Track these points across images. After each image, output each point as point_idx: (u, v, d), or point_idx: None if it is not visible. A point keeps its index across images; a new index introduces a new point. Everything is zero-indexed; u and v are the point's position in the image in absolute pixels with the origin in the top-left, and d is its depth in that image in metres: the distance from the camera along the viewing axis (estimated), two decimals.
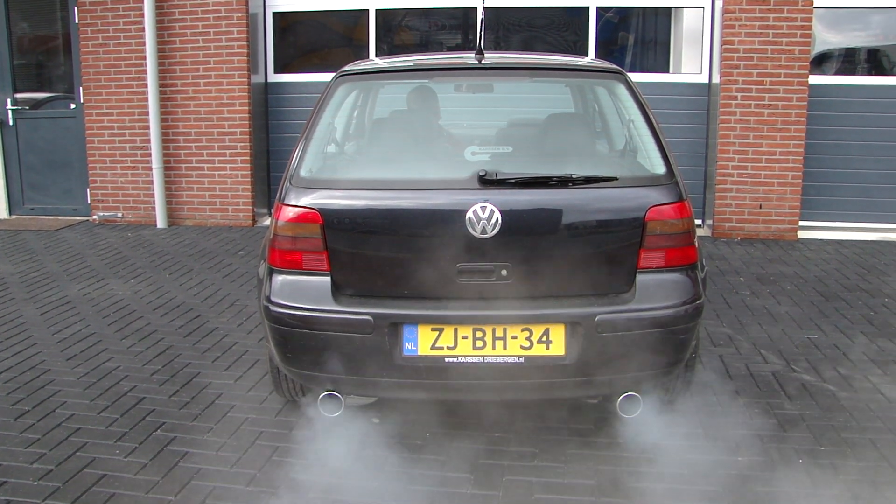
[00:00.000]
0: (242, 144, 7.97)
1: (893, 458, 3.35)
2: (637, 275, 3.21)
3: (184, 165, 8.10)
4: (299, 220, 3.21)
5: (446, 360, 3.15)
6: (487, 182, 3.15)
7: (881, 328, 4.94)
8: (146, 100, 7.94)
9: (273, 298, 3.25)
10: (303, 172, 3.31)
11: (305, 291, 3.23)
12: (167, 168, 8.07)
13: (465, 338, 3.15)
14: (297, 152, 3.38)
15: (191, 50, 7.90)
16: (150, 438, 3.56)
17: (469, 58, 3.74)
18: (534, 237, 3.18)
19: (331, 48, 8.71)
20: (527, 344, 3.15)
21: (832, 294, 5.66)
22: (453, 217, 3.13)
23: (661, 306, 3.19)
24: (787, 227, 7.40)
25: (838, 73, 7.69)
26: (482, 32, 3.86)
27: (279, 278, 3.28)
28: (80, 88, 8.25)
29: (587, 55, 7.70)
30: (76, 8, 8.08)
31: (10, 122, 8.49)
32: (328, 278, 3.22)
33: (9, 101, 8.45)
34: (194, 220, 8.19)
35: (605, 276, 3.23)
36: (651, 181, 3.27)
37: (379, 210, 3.22)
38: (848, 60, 7.79)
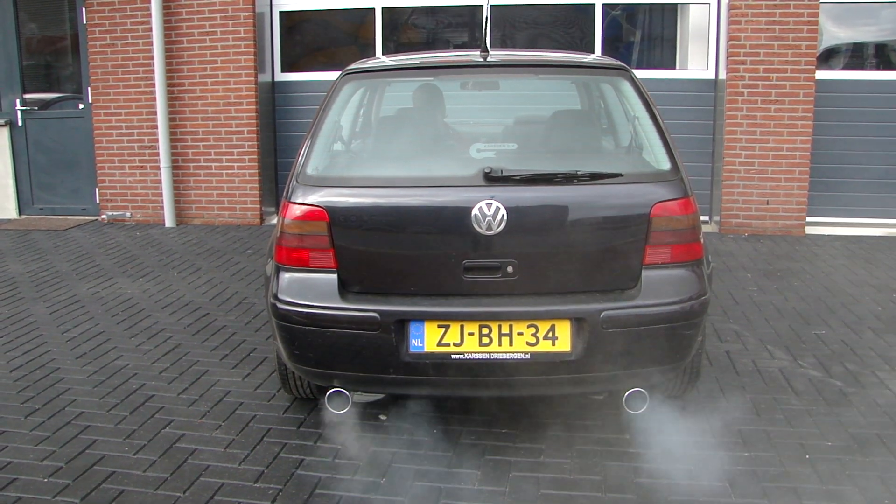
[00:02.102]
0: (250, 143, 8.00)
1: None
2: (642, 271, 3.22)
3: (192, 164, 8.13)
4: (306, 217, 3.23)
5: (452, 356, 3.16)
6: (493, 179, 3.16)
7: (888, 324, 4.93)
8: (154, 99, 7.98)
9: (280, 296, 3.27)
10: (309, 170, 3.32)
11: (312, 289, 3.24)
12: (175, 167, 8.10)
13: (471, 334, 3.16)
14: (304, 150, 3.40)
15: (198, 49, 7.93)
16: (159, 436, 3.59)
17: (475, 55, 3.75)
18: (539, 234, 3.19)
19: (337, 47, 8.72)
20: (533, 340, 3.16)
21: (839, 289, 5.64)
22: (459, 214, 3.14)
23: (667, 302, 3.19)
24: (795, 223, 7.39)
25: (845, 68, 7.67)
26: (488, 30, 3.86)
27: (286, 276, 3.29)
28: (89, 88, 8.29)
29: (593, 52, 7.69)
30: (84, 8, 8.12)
31: (20, 123, 8.54)
32: (335, 276, 3.23)
33: (18, 101, 8.50)
34: (202, 219, 8.22)
35: (611, 272, 3.24)
36: (656, 177, 3.27)
37: (385, 207, 3.24)
38: (855, 55, 7.77)
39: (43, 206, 8.71)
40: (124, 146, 8.24)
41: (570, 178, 3.21)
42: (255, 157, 8.01)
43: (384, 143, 3.84)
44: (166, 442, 3.53)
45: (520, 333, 3.16)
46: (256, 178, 8.05)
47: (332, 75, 4.12)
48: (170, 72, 7.95)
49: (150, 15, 7.81)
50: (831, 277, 5.96)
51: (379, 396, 3.69)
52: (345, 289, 3.24)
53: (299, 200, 3.25)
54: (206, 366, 4.40)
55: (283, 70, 8.33)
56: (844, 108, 7.47)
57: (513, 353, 3.15)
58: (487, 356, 3.15)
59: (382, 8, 8.00)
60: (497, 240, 3.13)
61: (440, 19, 8.47)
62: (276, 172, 8.45)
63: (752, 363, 4.32)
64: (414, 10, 8.33)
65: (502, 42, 8.11)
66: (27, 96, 8.55)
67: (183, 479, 3.22)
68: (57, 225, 8.23)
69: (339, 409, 3.41)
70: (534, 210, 3.19)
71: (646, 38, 8.33)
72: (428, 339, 3.17)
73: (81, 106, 8.48)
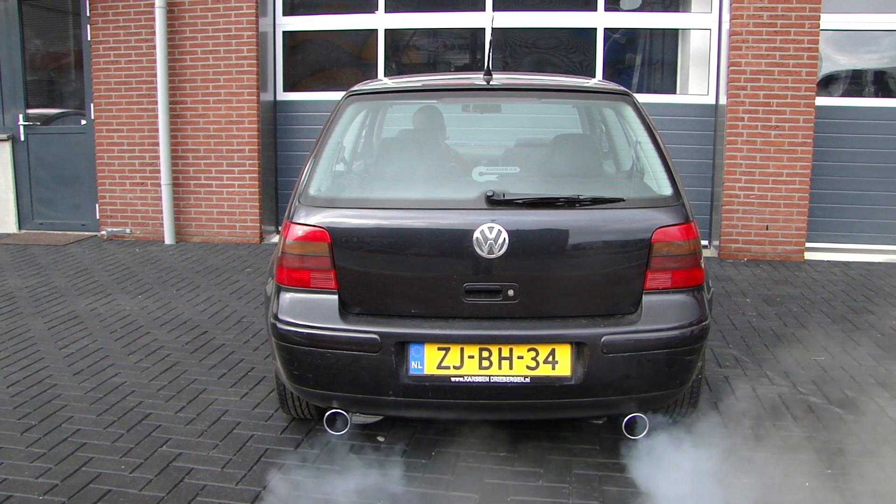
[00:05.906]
0: (251, 162, 8.01)
1: None
2: (643, 296, 3.22)
3: (192, 182, 8.14)
4: (308, 238, 3.23)
5: (452, 379, 3.16)
6: (495, 202, 3.17)
7: (888, 350, 4.93)
8: (156, 116, 8.01)
9: (280, 316, 3.27)
10: (311, 191, 3.33)
11: (313, 309, 3.24)
12: (176, 184, 8.11)
13: (471, 357, 3.16)
14: (306, 171, 3.41)
15: (201, 67, 7.96)
16: (156, 454, 3.57)
17: (477, 78, 3.77)
18: (540, 258, 3.20)
19: (340, 67, 8.77)
20: (533, 364, 3.15)
21: (839, 316, 5.64)
22: (461, 237, 3.14)
23: (667, 327, 3.20)
24: (794, 249, 7.40)
25: (845, 94, 7.71)
26: (490, 53, 3.88)
27: (287, 296, 3.29)
28: (91, 105, 8.32)
29: (595, 76, 7.73)
30: (89, 25, 8.16)
31: (22, 138, 8.56)
32: (335, 297, 3.23)
33: (20, 116, 8.53)
34: (202, 237, 8.22)
35: (612, 297, 3.24)
36: (658, 202, 3.28)
37: (387, 229, 3.24)
38: (854, 82, 7.82)
39: (43, 221, 8.71)
40: (125, 163, 8.26)
41: (571, 203, 3.22)
42: (256, 175, 8.03)
43: (387, 165, 3.85)
44: (163, 461, 3.51)
45: (520, 357, 3.16)
46: (257, 196, 8.06)
47: (334, 95, 4.14)
48: (172, 89, 7.99)
49: (154, 33, 7.85)
50: (830, 303, 5.96)
51: (378, 418, 3.68)
52: (345, 310, 3.24)
53: (301, 221, 3.25)
54: (203, 384, 4.38)
55: (286, 89, 8.36)
56: (844, 134, 7.51)
57: (513, 376, 3.15)
58: (487, 379, 3.15)
59: (385, 29, 8.05)
60: (498, 263, 3.14)
61: (442, 41, 8.52)
62: (276, 191, 8.46)
63: (752, 389, 4.31)
64: (416, 31, 8.38)
65: (504, 65, 8.15)
66: (30, 111, 8.58)
67: (179, 499, 3.20)
68: (56, 240, 8.23)
69: (338, 431, 3.41)
70: (535, 234, 3.20)
71: (647, 62, 8.38)
72: (428, 361, 3.17)
73: (84, 122, 8.50)
